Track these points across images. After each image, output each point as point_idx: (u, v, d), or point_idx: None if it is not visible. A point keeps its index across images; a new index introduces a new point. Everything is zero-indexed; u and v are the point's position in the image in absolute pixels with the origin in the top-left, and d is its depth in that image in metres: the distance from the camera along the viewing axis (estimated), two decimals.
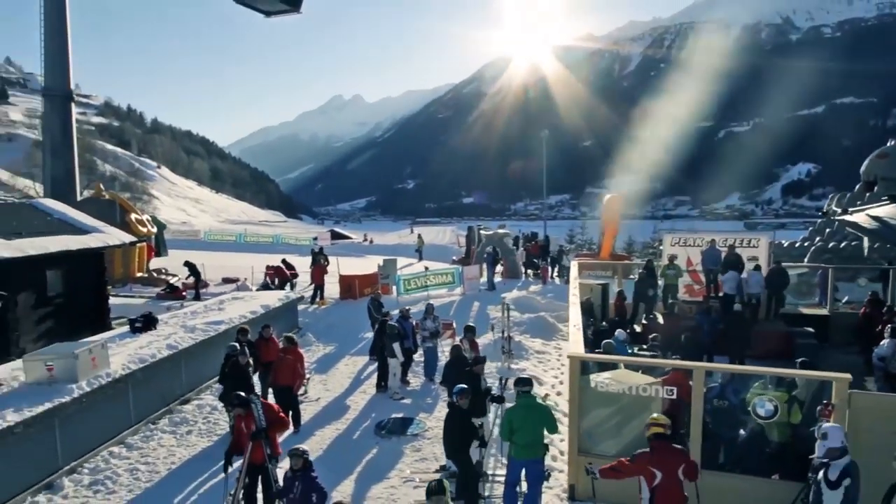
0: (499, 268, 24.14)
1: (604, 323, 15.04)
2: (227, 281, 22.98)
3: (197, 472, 8.14)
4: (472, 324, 10.82)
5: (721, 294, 14.80)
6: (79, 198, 22.96)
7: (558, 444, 8.30)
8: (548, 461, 7.94)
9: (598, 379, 7.36)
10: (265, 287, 19.42)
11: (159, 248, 30.11)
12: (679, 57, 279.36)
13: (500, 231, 26.53)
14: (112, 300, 16.99)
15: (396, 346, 11.02)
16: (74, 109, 23.77)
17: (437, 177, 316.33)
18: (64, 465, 7.87)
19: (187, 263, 21.02)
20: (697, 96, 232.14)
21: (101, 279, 14.62)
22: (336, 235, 43.40)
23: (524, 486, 6.57)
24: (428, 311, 12.33)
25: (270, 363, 9.80)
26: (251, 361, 9.14)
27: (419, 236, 35.12)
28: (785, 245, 25.38)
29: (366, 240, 63.09)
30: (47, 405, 7.61)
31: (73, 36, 21.66)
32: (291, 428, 8.95)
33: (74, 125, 23.13)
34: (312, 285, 20.11)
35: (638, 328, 15.07)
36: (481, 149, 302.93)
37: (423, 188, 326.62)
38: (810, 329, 14.07)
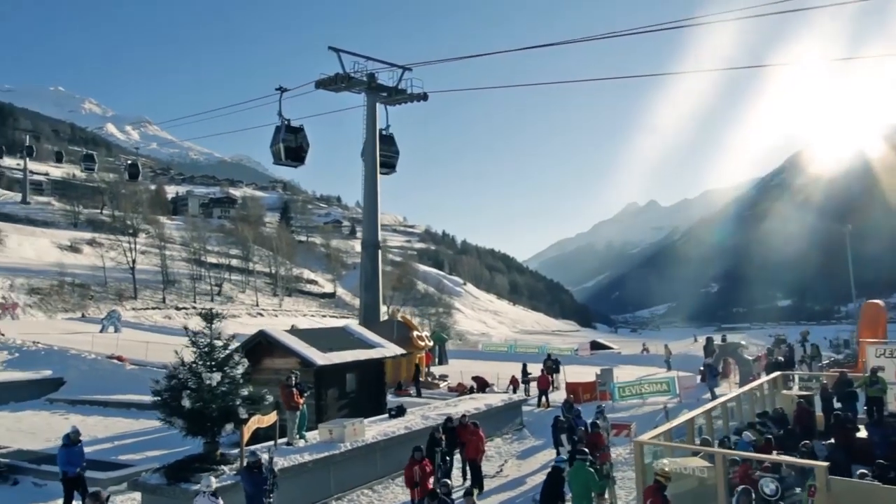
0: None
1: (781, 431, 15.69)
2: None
3: None
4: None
5: None
6: (382, 318, 30.69)
7: None
8: None
9: (660, 461, 9.82)
10: (469, 391, 23.65)
11: (441, 357, 36.98)
12: None
13: (734, 342, 27.00)
14: (394, 397, 23.14)
15: (563, 437, 14.22)
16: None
17: (744, 279, 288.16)
18: (334, 493, 12.97)
19: (416, 366, 26.25)
20: None
21: (381, 380, 20.61)
22: (596, 346, 46.24)
23: None
24: (599, 412, 15.24)
25: (465, 442, 13.94)
26: (443, 437, 13.40)
27: (666, 346, 36.16)
28: None
29: (644, 350, 63.34)
30: (326, 454, 12.89)
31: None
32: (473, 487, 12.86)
33: (380, 266, 31.49)
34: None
35: (833, 440, 15.33)
36: (797, 245, 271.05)
37: (729, 291, 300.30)
38: None
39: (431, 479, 10.82)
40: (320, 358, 17.83)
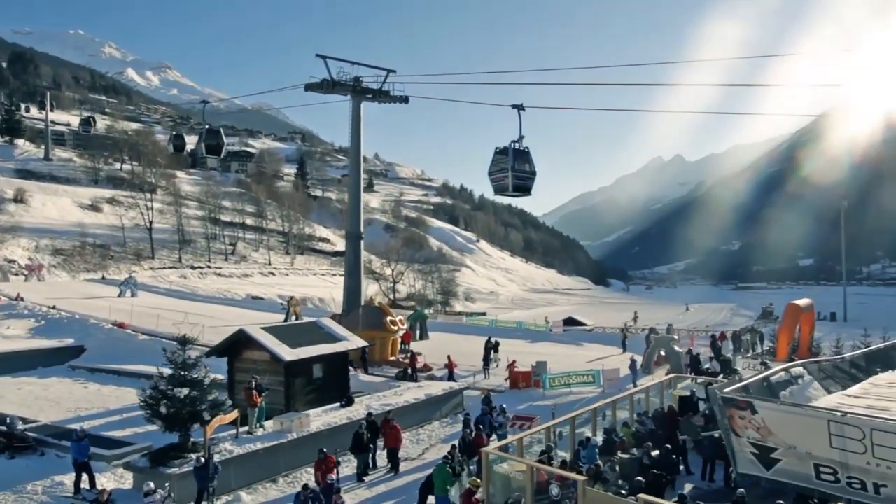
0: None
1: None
2: (446, 365, 31.59)
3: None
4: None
5: None
6: (362, 304, 34.33)
7: None
8: None
9: (500, 464, 13.40)
10: (404, 372, 26.77)
11: (423, 332, 40.68)
12: None
13: (667, 335, 30.30)
14: (366, 377, 27.05)
15: (467, 431, 17.83)
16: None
17: (766, 237, 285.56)
18: (282, 471, 16.85)
19: (363, 349, 28.53)
20: None
21: (346, 369, 24.35)
22: (571, 322, 49.67)
23: None
24: (501, 412, 18.84)
25: (386, 433, 17.67)
26: (367, 433, 17.07)
27: (623, 329, 39.34)
28: None
29: (634, 318, 64.36)
30: (277, 442, 16.74)
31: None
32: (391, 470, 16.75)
33: (363, 255, 35.02)
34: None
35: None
36: (823, 204, 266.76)
37: (750, 250, 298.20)
38: None
39: (334, 473, 14.51)
40: (288, 354, 21.51)
